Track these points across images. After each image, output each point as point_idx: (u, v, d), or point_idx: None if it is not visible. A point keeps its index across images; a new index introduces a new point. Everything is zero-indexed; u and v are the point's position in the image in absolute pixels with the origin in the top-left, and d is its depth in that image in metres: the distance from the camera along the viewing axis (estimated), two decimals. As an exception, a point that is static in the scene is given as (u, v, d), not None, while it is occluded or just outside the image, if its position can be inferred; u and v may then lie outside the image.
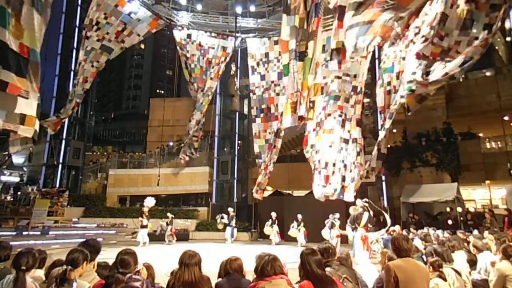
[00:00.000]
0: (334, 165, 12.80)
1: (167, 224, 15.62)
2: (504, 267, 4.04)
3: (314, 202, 13.87)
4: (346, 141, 13.02)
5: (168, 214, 16.11)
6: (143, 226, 14.54)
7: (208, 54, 16.84)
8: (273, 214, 15.96)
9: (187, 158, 19.05)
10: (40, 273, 3.14)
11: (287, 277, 2.71)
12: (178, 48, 16.75)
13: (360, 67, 13.24)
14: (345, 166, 12.64)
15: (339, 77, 13.41)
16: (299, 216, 15.15)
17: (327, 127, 13.17)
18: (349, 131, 13.04)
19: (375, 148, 12.25)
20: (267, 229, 15.96)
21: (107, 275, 2.88)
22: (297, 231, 14.87)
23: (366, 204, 10.68)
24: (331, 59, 9.08)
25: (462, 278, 3.95)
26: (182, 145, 19.31)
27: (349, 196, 12.12)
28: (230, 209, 16.72)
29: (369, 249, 9.70)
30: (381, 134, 11.91)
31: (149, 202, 15.62)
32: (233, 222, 16.29)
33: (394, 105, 11.17)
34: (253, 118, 16.44)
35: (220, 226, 16.54)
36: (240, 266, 3.34)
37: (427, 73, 7.65)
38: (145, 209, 15.07)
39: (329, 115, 13.24)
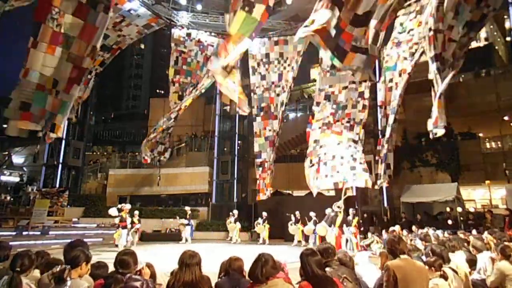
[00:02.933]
0: (342, 157, 13.34)
1: (133, 224, 13.60)
2: (504, 266, 4.05)
3: (314, 202, 13.97)
4: (355, 141, 13.62)
5: (136, 212, 14.25)
6: (124, 227, 12.74)
7: (206, 50, 16.80)
8: (235, 212, 16.32)
9: (148, 159, 16.90)
10: (37, 273, 3.13)
11: (283, 275, 2.70)
12: (173, 44, 16.65)
13: None
14: (354, 159, 13.18)
15: (345, 87, 13.79)
16: (264, 214, 15.87)
17: (335, 129, 13.70)
18: (357, 133, 13.67)
19: (385, 149, 12.40)
20: (229, 227, 15.98)
21: (107, 275, 2.88)
22: (262, 227, 15.51)
23: (340, 208, 12.04)
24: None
25: (461, 278, 3.95)
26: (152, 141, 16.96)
27: (361, 183, 12.85)
28: (187, 208, 16.39)
29: (340, 247, 10.87)
30: (388, 131, 12.08)
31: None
32: (192, 221, 16.06)
33: (394, 100, 11.55)
34: (254, 117, 16.53)
35: (181, 228, 15.77)
36: (240, 266, 3.34)
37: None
38: (128, 206, 13.40)
39: (337, 121, 13.71)
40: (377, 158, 13.09)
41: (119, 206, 13.53)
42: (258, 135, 16.05)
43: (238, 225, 16.06)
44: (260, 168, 15.65)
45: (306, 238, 14.44)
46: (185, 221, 15.83)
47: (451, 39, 7.68)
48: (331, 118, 13.93)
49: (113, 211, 13.30)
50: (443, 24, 7.63)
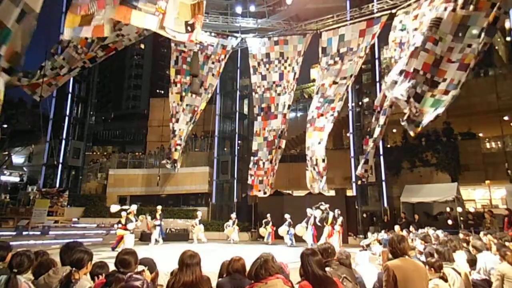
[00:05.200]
0: (323, 160, 14.05)
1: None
2: (503, 269, 4.07)
3: (314, 202, 14.03)
4: None
5: (123, 213, 12.68)
6: (127, 229, 11.92)
7: (207, 50, 16.80)
8: (199, 213, 16.32)
9: (168, 166, 17.16)
10: (29, 273, 3.11)
11: (282, 276, 2.70)
12: (173, 44, 16.62)
13: (356, 67, 13.69)
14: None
15: (335, 82, 13.90)
16: (233, 215, 16.15)
17: (318, 125, 13.96)
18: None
19: (370, 146, 12.66)
20: (195, 229, 15.70)
21: (107, 274, 2.89)
22: (232, 229, 15.74)
23: (327, 207, 13.00)
24: None
25: (462, 278, 3.96)
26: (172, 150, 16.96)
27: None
28: (159, 208, 15.48)
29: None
30: (377, 131, 12.23)
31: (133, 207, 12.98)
32: (162, 222, 15.03)
33: (387, 101, 11.74)
34: (255, 117, 16.60)
35: (152, 230, 14.69)
36: (242, 266, 3.34)
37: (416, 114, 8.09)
38: (135, 207, 12.70)
39: (321, 115, 13.95)
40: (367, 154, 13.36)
41: (125, 207, 12.69)
42: (258, 134, 16.23)
43: (202, 227, 15.88)
44: (256, 166, 15.89)
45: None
46: (157, 222, 14.64)
47: (450, 61, 7.85)
48: (315, 113, 14.29)
49: (114, 207, 12.80)
50: (437, 46, 7.83)
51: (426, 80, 8.18)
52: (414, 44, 8.48)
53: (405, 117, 8.84)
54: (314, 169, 14.20)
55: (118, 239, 12.20)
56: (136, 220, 12.54)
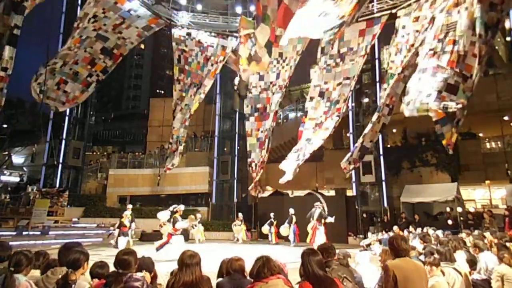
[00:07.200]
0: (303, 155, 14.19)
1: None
2: (501, 270, 4.08)
3: (314, 202, 14.05)
4: None
5: (126, 212, 13.12)
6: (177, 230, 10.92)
7: (206, 51, 16.76)
8: (177, 207, 16.07)
9: (171, 167, 16.41)
10: (37, 273, 3.13)
11: (283, 276, 2.70)
12: (174, 44, 16.61)
13: (358, 67, 13.65)
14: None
15: (340, 84, 13.84)
16: (199, 216, 16.56)
17: (325, 126, 13.89)
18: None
19: (359, 142, 12.68)
20: (163, 228, 15.29)
21: (107, 274, 2.88)
22: (198, 229, 16.19)
23: (319, 204, 13.83)
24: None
25: (462, 278, 3.95)
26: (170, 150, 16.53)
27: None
28: (129, 206, 14.35)
29: (313, 238, 12.74)
30: (368, 127, 12.23)
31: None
32: (133, 225, 13.68)
33: (382, 99, 11.70)
34: (247, 117, 16.51)
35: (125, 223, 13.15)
36: (241, 266, 3.33)
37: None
38: (182, 207, 11.81)
39: (329, 117, 13.89)
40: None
41: (171, 208, 11.70)
42: (250, 135, 16.11)
43: (170, 226, 15.69)
44: (251, 168, 15.90)
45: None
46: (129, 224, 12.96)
47: (474, 55, 7.67)
48: (324, 118, 14.10)
49: (163, 215, 11.41)
50: (458, 44, 7.67)
51: (456, 73, 7.83)
52: (430, 49, 8.21)
53: (448, 117, 8.31)
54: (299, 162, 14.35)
55: (168, 239, 11.08)
56: (183, 220, 11.60)
